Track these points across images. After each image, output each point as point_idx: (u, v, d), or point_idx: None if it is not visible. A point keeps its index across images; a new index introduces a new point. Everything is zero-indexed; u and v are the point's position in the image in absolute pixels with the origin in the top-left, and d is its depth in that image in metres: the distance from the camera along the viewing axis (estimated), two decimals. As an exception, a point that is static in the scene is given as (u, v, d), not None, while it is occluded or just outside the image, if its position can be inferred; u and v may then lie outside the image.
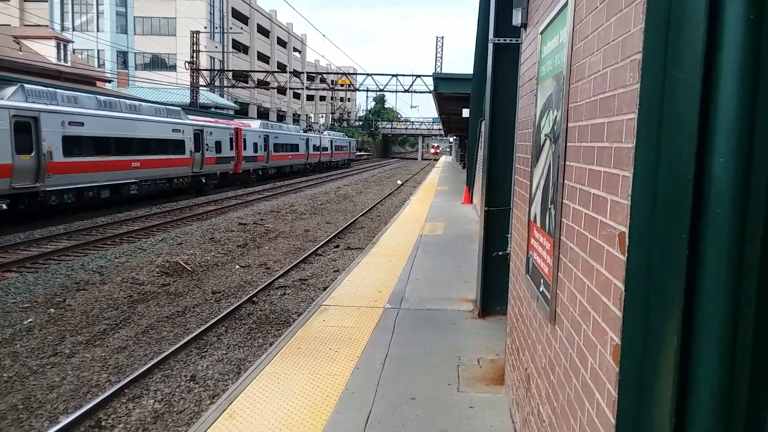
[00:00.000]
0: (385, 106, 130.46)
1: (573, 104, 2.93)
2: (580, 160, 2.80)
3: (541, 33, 3.80)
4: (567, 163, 2.99)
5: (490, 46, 7.45)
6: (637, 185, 2.00)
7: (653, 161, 1.88)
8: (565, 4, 3.10)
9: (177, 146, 28.26)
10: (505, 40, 7.34)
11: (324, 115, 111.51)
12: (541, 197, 3.46)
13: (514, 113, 5.14)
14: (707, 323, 1.63)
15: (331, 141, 63.39)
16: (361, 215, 23.59)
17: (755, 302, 1.63)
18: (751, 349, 1.62)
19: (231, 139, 34.95)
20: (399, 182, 43.56)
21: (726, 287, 1.61)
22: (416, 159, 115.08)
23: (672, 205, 1.75)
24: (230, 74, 57.30)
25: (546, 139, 3.34)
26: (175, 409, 6.71)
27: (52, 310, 10.18)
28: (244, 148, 37.12)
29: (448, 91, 22.15)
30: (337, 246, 16.78)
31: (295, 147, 48.96)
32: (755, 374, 1.63)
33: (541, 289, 3.47)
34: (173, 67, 65.20)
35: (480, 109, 16.09)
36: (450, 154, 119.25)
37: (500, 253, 7.29)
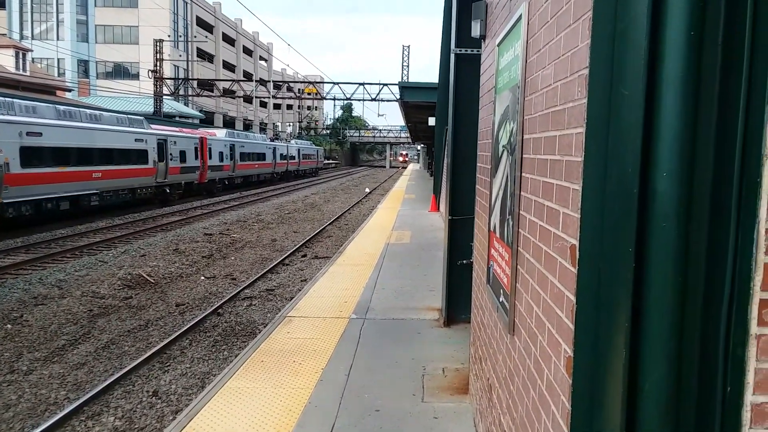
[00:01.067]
0: (353, 114, 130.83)
1: (528, 116, 2.95)
2: (535, 171, 2.82)
3: (498, 45, 3.83)
4: (523, 174, 3.01)
5: (452, 57, 7.51)
6: (586, 199, 2.02)
7: (601, 175, 1.90)
8: (519, 18, 3.13)
9: (140, 156, 27.82)
10: (466, 50, 7.40)
11: (291, 123, 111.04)
12: (500, 207, 3.48)
13: (476, 123, 5.17)
14: (653, 337, 1.64)
15: (299, 150, 63.10)
16: (329, 224, 23.51)
17: (701, 316, 1.65)
18: (697, 363, 1.64)
19: (196, 148, 34.57)
20: (367, 190, 43.55)
21: (671, 301, 1.63)
22: (384, 167, 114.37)
23: (619, 219, 1.77)
24: (195, 83, 56.68)
25: (504, 150, 3.36)
26: (136, 426, 6.56)
27: (8, 326, 9.90)
28: (210, 158, 36.75)
29: (414, 100, 22.26)
30: (305, 255, 16.68)
31: (261, 156, 48.68)
32: (702, 388, 1.65)
33: (501, 299, 3.48)
34: (136, 76, 64.31)
35: (445, 117, 16.30)
36: (418, 162, 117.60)
37: (464, 262, 7.32)
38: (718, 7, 1.61)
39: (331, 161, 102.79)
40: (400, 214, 22.34)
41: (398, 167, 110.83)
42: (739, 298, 1.62)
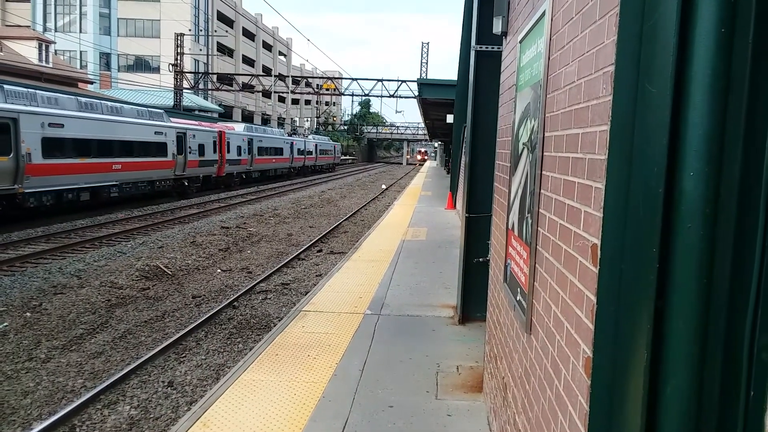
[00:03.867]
0: (371, 110, 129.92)
1: (550, 114, 2.92)
2: (556, 170, 2.79)
3: (520, 42, 3.80)
4: (543, 172, 2.98)
5: (473, 53, 7.46)
6: (609, 198, 1.99)
7: (625, 174, 1.87)
8: (543, 14, 3.09)
9: (159, 149, 28.03)
10: (487, 47, 7.35)
11: (309, 119, 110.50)
12: (518, 206, 3.45)
13: (496, 120, 5.13)
14: (676, 339, 1.62)
15: (316, 145, 63.05)
16: (345, 219, 23.54)
17: (725, 319, 1.62)
18: (720, 367, 1.61)
19: (215, 142, 34.75)
20: (383, 187, 43.08)
21: (695, 303, 1.60)
22: (401, 164, 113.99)
23: (643, 219, 1.74)
24: (214, 77, 57.00)
25: (524, 147, 3.33)
26: (151, 416, 6.62)
27: (28, 314, 10.02)
28: (228, 152, 36.93)
29: (433, 97, 22.19)
30: (320, 250, 16.71)
31: (279, 150, 48.85)
32: (724, 392, 1.62)
33: (518, 298, 3.46)
34: (156, 69, 64.77)
35: (464, 115, 16.23)
36: (435, 159, 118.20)
37: (481, 259, 7.28)
38: (749, 4, 1.58)
39: (348, 157, 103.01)
40: (416, 211, 22.30)
41: (415, 164, 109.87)
42: (765, 301, 1.59)
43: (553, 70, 2.91)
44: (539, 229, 3.01)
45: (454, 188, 23.63)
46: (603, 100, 2.11)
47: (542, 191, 2.98)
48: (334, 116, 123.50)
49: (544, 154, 2.97)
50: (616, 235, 1.92)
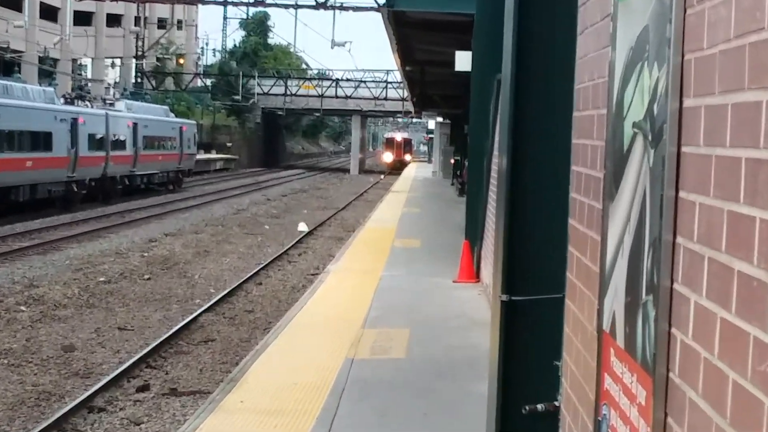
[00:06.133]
0: (269, 40, 67.52)
1: (693, 53, 1.32)
2: (710, 188, 1.21)
3: None
4: (681, 194, 1.38)
5: None
6: None
7: None
8: None
9: None
10: None
11: (121, 62, 50.07)
12: (625, 275, 1.75)
13: (567, 70, 2.79)
14: None
15: (136, 125, 30.86)
16: (204, 311, 10.91)
17: None
18: None
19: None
20: (302, 229, 20.57)
21: None
22: (347, 170, 58.65)
23: None
24: None
25: (636, 134, 1.68)
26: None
27: None
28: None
29: (420, 10, 11.83)
30: (145, 388, 7.67)
31: (36, 140, 23.36)
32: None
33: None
34: None
35: (496, 54, 6.04)
36: (429, 158, 63.40)
37: (539, 407, 3.38)
38: None
39: (217, 156, 50.58)
40: (382, 287, 10.30)
41: (382, 173, 56.04)
42: None
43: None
44: (675, 331, 1.38)
45: (473, 232, 11.23)
46: None
47: (678, 238, 1.37)
48: (181, 55, 57.15)
49: (682, 149, 1.35)
50: None
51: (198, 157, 41.49)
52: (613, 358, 1.79)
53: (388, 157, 63.09)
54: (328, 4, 23.57)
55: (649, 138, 1.54)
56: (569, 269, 2.55)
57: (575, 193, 2.51)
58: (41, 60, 39.41)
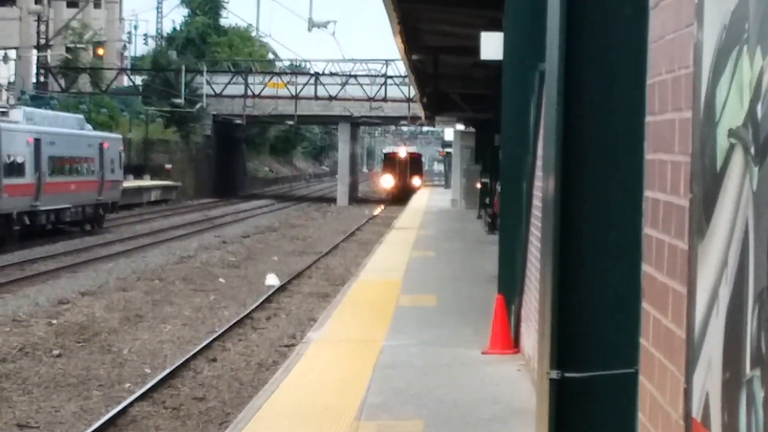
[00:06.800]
0: (222, 22, 52.79)
1: None
2: None
3: None
4: None
5: None
6: None
7: None
8: None
9: None
10: None
11: (17, 55, 39.17)
12: (722, 344, 1.40)
13: (640, 58, 2.29)
14: None
15: (38, 143, 23.90)
16: (137, 399, 9.05)
17: None
18: None
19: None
20: (271, 283, 17.20)
21: None
22: (332, 201, 47.39)
23: None
24: None
25: (734, 145, 1.37)
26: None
27: None
28: None
29: None
30: None
31: None
32: None
33: None
34: None
35: (537, 36, 5.92)
36: (446, 182, 51.12)
37: None
38: None
39: (150, 182, 40.52)
40: (384, 363, 8.05)
41: (381, 201, 46.96)
42: None
43: None
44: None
45: (510, 284, 8.70)
46: None
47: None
48: (100, 44, 45.77)
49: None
50: None
51: (126, 184, 32.83)
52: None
53: (388, 181, 50.42)
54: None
55: (752, 151, 1.25)
56: (643, 334, 2.11)
57: (650, 228, 2.10)
58: None
